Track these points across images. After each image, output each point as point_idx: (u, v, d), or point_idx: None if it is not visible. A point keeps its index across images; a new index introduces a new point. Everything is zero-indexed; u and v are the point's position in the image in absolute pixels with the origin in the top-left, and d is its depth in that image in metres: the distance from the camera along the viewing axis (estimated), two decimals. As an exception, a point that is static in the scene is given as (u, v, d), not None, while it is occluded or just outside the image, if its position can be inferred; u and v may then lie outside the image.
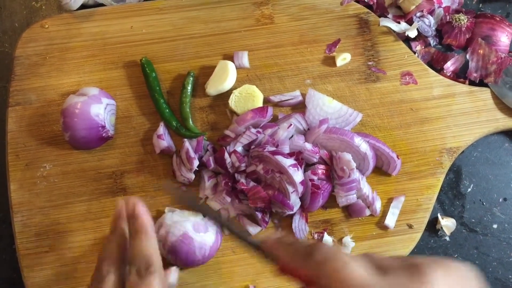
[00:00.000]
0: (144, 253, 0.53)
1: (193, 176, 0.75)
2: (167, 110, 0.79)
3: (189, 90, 0.79)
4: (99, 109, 0.75)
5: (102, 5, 0.85)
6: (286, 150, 0.74)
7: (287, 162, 0.71)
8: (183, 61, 0.82)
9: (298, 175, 0.71)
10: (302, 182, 0.72)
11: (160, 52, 0.82)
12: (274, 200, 0.72)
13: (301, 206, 0.75)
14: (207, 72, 0.81)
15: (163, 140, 0.76)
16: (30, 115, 0.79)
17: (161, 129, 0.77)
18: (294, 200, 0.73)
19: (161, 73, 0.82)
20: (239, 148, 0.75)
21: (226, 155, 0.74)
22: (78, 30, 0.83)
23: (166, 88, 0.81)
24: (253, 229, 0.75)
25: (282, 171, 0.72)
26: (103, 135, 0.75)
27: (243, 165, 0.74)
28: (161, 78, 0.82)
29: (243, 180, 0.73)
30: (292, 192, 0.72)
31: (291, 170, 0.71)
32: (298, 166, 0.72)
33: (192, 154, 0.74)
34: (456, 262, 0.49)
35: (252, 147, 0.75)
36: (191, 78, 0.80)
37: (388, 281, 0.45)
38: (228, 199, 0.74)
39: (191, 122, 0.79)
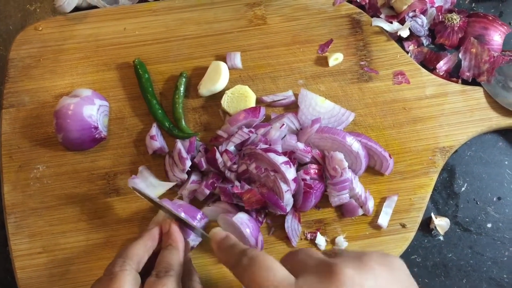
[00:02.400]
0: (168, 260, 0.61)
1: (185, 177, 0.75)
2: (159, 111, 0.79)
3: (181, 91, 0.79)
4: (91, 110, 0.75)
5: (95, 7, 0.85)
6: (279, 149, 0.74)
7: (280, 159, 0.71)
8: (176, 62, 0.82)
9: (290, 173, 0.71)
10: (294, 180, 0.72)
11: (153, 54, 0.83)
12: (268, 201, 0.72)
13: (294, 206, 0.75)
14: (200, 73, 0.82)
15: (156, 141, 0.76)
16: (24, 117, 0.80)
17: (154, 130, 0.77)
18: (288, 200, 0.72)
19: (154, 74, 0.82)
20: (231, 148, 0.75)
21: (218, 154, 0.74)
22: (72, 32, 0.83)
23: (159, 89, 0.82)
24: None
25: (275, 169, 0.72)
26: (96, 136, 0.76)
27: (235, 165, 0.74)
28: (154, 79, 0.82)
29: (237, 184, 0.73)
30: (286, 191, 0.72)
31: (284, 168, 0.71)
32: (291, 163, 0.72)
33: (184, 154, 0.74)
34: (378, 257, 0.51)
35: (245, 145, 0.75)
36: (184, 79, 0.80)
37: (300, 282, 0.49)
38: (207, 191, 0.74)
39: (183, 122, 0.79)
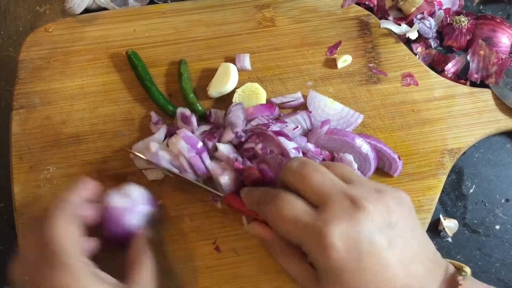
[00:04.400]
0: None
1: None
2: (160, 97, 0.80)
3: (186, 77, 0.80)
4: (135, 219, 0.70)
5: (105, 9, 0.86)
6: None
7: (290, 144, 0.72)
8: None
9: None
10: None
11: (162, 55, 0.83)
12: (264, 178, 0.72)
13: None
14: (209, 74, 0.82)
15: (162, 123, 0.77)
16: (34, 118, 0.80)
17: (155, 116, 0.78)
18: None
19: (163, 75, 0.82)
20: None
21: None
22: (82, 34, 0.84)
23: (168, 90, 0.82)
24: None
25: (283, 153, 0.72)
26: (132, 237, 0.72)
27: (244, 135, 0.75)
28: (163, 80, 0.82)
29: (239, 159, 0.74)
30: None
31: (292, 153, 0.71)
32: (300, 150, 0.72)
33: (188, 113, 0.77)
34: (394, 194, 0.58)
35: (257, 125, 0.75)
36: (185, 65, 0.81)
37: (321, 214, 0.54)
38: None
39: (199, 106, 0.79)
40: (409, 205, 0.59)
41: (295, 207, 0.55)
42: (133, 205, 0.70)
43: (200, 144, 0.74)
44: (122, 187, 0.72)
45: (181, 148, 0.72)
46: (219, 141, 0.76)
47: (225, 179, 0.73)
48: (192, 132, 0.76)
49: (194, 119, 0.76)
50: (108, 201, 0.70)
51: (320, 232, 0.52)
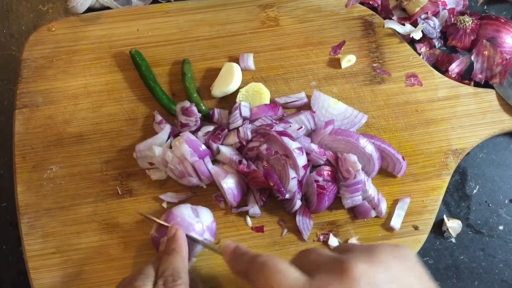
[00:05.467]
0: (174, 267, 0.60)
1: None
2: (164, 96, 0.79)
3: (190, 76, 0.80)
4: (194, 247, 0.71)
5: (108, 8, 0.86)
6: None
7: (293, 144, 0.72)
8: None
9: (302, 159, 0.72)
10: (304, 167, 0.72)
11: (166, 55, 0.83)
12: (269, 180, 0.72)
13: (308, 208, 0.76)
14: (212, 74, 0.82)
15: (165, 123, 0.77)
16: (37, 117, 0.80)
17: (158, 117, 0.78)
18: (292, 187, 0.73)
19: (166, 75, 0.82)
20: (249, 126, 0.76)
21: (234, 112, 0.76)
22: (85, 33, 0.84)
23: (172, 90, 0.82)
24: (252, 206, 0.76)
25: (287, 154, 0.72)
26: None
27: (249, 132, 0.75)
28: (167, 80, 0.82)
29: (244, 162, 0.74)
30: (292, 178, 0.72)
31: (296, 153, 0.71)
32: (303, 150, 0.72)
33: (187, 104, 0.76)
34: (388, 249, 0.52)
35: (261, 126, 0.76)
36: (189, 64, 0.81)
37: (314, 282, 0.49)
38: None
39: (203, 106, 0.79)
40: (411, 258, 0.53)
41: (286, 277, 0.50)
42: (198, 225, 0.71)
43: (203, 147, 0.74)
44: (195, 206, 0.73)
45: (184, 152, 0.72)
46: (223, 143, 0.76)
47: (228, 183, 0.73)
48: (195, 122, 0.76)
49: (194, 109, 0.76)
50: (179, 211, 0.71)
51: None
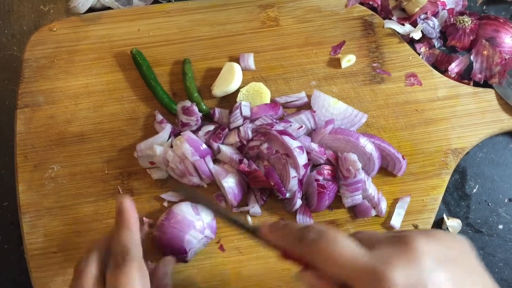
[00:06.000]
0: (122, 244, 0.56)
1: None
2: (165, 96, 0.80)
3: (190, 76, 0.80)
4: (194, 238, 0.72)
5: (109, 8, 0.86)
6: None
7: (294, 143, 0.72)
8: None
9: (302, 158, 0.72)
10: (305, 166, 0.73)
11: (167, 55, 0.83)
12: (269, 180, 0.73)
13: (308, 207, 0.76)
14: (213, 74, 0.82)
15: (166, 123, 0.78)
16: (39, 117, 0.80)
17: (159, 116, 0.78)
18: (293, 186, 0.73)
19: (167, 75, 0.83)
20: (249, 125, 0.77)
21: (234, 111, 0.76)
22: (86, 33, 0.84)
23: (173, 89, 0.82)
24: (253, 205, 0.76)
25: (287, 153, 0.72)
26: (182, 256, 0.72)
27: (249, 131, 0.75)
28: (168, 80, 0.82)
29: (245, 161, 0.74)
30: (293, 177, 0.72)
31: (296, 152, 0.72)
32: (303, 149, 0.73)
33: (188, 104, 0.76)
34: (446, 232, 0.51)
35: (261, 125, 0.76)
36: (189, 64, 0.81)
37: (375, 254, 0.47)
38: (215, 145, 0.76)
39: (204, 105, 0.79)
40: (468, 244, 0.52)
41: (348, 245, 0.49)
42: (198, 222, 0.71)
43: (203, 146, 0.74)
44: (196, 205, 0.73)
45: (185, 151, 0.73)
46: (223, 143, 0.76)
47: (228, 183, 0.73)
48: (196, 121, 0.76)
49: (195, 108, 0.76)
50: (179, 209, 0.71)
51: (380, 274, 0.47)
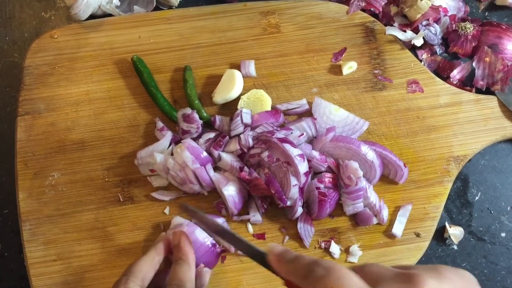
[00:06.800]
0: (180, 277, 0.61)
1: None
2: (166, 103, 0.80)
3: (191, 83, 0.80)
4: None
5: (110, 15, 0.86)
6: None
7: (294, 151, 0.72)
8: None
9: (303, 166, 0.72)
10: (306, 174, 0.72)
11: (167, 62, 0.83)
12: (270, 188, 0.72)
13: (309, 215, 0.76)
14: (214, 81, 0.82)
15: (167, 130, 0.77)
16: (39, 124, 0.80)
17: (160, 123, 0.78)
18: (293, 194, 0.73)
19: (167, 82, 0.82)
20: (250, 133, 0.76)
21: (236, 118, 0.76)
22: (87, 40, 0.84)
23: (173, 97, 0.82)
24: (253, 214, 0.76)
25: (288, 161, 0.72)
26: (218, 251, 0.73)
27: (250, 139, 0.75)
28: (168, 87, 0.82)
29: (246, 169, 0.74)
30: (293, 186, 0.72)
31: (297, 160, 0.71)
32: (304, 157, 0.72)
33: (189, 111, 0.76)
34: (452, 268, 0.51)
35: (262, 132, 0.76)
36: (190, 71, 0.81)
37: (416, 270, 0.47)
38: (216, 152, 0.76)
39: (204, 112, 0.79)
40: (473, 279, 0.52)
41: (355, 283, 0.48)
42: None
43: (204, 154, 0.74)
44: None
45: (185, 159, 0.72)
46: (224, 150, 0.76)
47: (229, 191, 0.73)
48: (197, 128, 0.76)
49: (195, 115, 0.76)
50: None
51: None
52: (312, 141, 0.78)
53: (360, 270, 0.51)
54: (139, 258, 0.64)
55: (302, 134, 0.76)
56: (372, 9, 0.86)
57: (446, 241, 0.79)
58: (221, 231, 0.66)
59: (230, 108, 0.81)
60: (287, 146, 0.72)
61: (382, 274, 0.50)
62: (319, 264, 0.51)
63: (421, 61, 0.85)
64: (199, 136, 0.77)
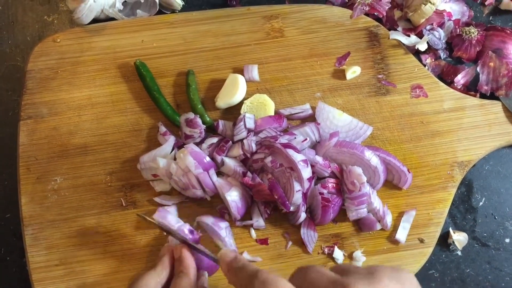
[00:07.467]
0: None
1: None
2: (168, 107, 0.80)
3: (194, 87, 0.80)
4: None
5: (113, 19, 0.86)
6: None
7: (298, 157, 0.71)
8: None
9: (306, 172, 0.72)
10: (309, 179, 0.72)
11: (170, 66, 0.83)
12: (274, 193, 0.72)
13: (312, 220, 0.75)
14: (217, 85, 0.82)
15: (170, 135, 0.77)
16: (42, 129, 0.80)
17: (163, 128, 0.78)
18: (297, 200, 0.72)
19: (170, 86, 0.82)
20: (253, 138, 0.76)
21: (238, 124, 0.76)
22: (90, 44, 0.84)
23: (176, 101, 0.82)
24: (257, 219, 0.75)
25: (291, 167, 0.72)
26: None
27: (253, 144, 0.75)
28: (171, 91, 0.82)
29: (249, 174, 0.74)
30: (297, 191, 0.72)
31: (301, 166, 0.71)
32: (308, 162, 0.72)
33: (192, 116, 0.76)
34: (392, 273, 0.52)
35: (265, 138, 0.75)
36: (193, 76, 0.81)
37: (350, 279, 0.50)
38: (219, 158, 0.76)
39: (207, 117, 0.79)
40: (412, 282, 0.53)
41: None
42: None
43: (207, 159, 0.74)
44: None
45: (188, 164, 0.72)
46: (227, 155, 0.76)
47: (232, 196, 0.73)
48: (200, 133, 0.76)
49: (198, 120, 0.76)
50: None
51: (345, 283, 0.49)
52: (315, 146, 0.78)
53: (297, 276, 0.54)
54: (145, 273, 0.63)
55: (306, 139, 0.76)
56: (376, 13, 0.86)
57: (450, 247, 0.79)
58: (182, 240, 0.67)
59: (233, 112, 0.80)
60: (290, 152, 0.72)
61: (318, 282, 0.51)
62: (256, 276, 0.53)
63: (425, 65, 0.85)
64: (202, 141, 0.77)
